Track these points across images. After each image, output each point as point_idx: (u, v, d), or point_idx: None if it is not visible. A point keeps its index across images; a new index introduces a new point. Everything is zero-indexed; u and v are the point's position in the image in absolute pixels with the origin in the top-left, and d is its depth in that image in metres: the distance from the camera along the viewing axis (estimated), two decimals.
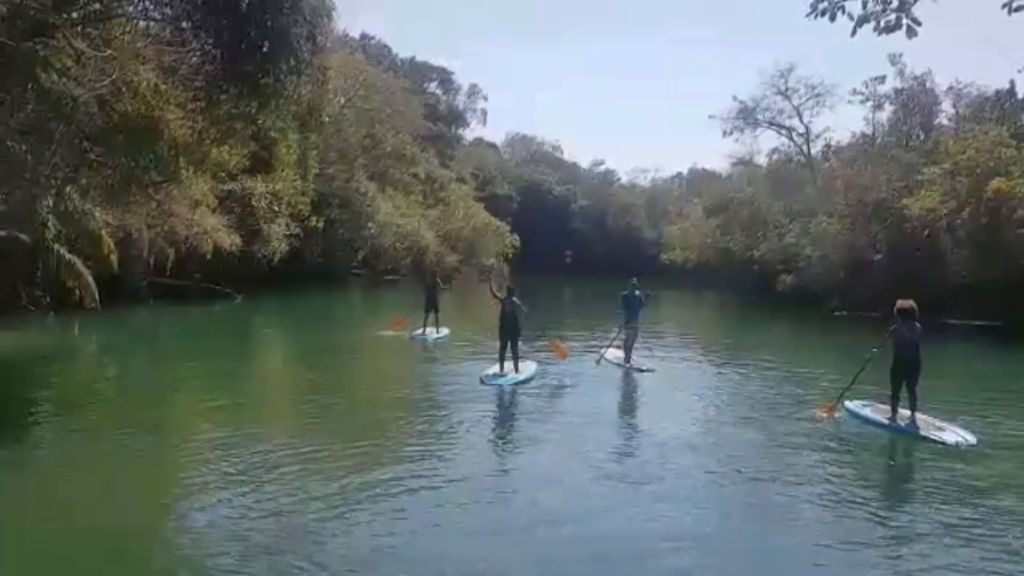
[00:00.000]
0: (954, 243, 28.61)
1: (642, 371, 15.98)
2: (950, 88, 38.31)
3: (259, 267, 33.22)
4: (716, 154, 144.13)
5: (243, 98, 15.21)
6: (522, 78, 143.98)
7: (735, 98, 48.32)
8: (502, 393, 13.40)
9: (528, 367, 14.91)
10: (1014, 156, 27.73)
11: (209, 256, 28.72)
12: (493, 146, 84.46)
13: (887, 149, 37.27)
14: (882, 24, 4.58)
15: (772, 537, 7.21)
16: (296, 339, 23.83)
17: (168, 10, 14.78)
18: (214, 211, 29.06)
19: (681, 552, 6.69)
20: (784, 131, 48.21)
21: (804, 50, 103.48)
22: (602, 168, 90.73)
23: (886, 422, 11.04)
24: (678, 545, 6.81)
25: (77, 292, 20.99)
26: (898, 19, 4.53)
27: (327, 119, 39.25)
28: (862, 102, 40.82)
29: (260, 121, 20.39)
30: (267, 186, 33.19)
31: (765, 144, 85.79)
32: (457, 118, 75.52)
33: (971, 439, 10.20)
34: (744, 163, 52.83)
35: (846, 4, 4.62)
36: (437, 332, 20.61)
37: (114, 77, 13.90)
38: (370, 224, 44.31)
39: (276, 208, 33.85)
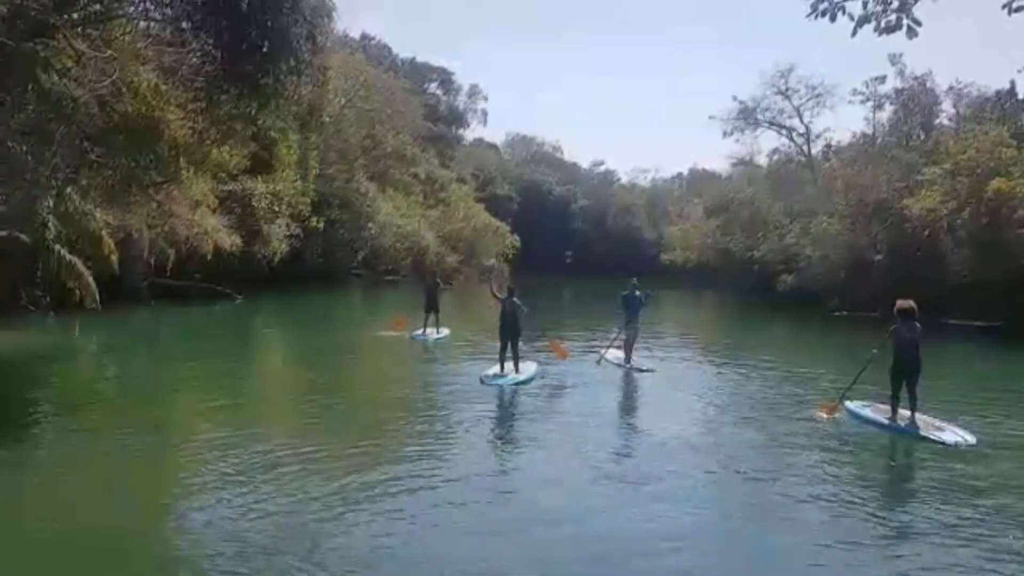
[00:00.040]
0: (954, 243, 28.60)
1: (642, 371, 15.99)
2: (950, 88, 38.37)
3: (259, 267, 33.24)
4: (716, 154, 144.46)
5: (243, 98, 15.20)
6: (522, 78, 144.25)
7: (735, 98, 48.41)
8: (502, 393, 13.40)
9: (528, 367, 14.90)
10: (1014, 156, 27.72)
11: (209, 257, 28.74)
12: (493, 146, 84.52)
13: (887, 149, 37.25)
14: (882, 24, 4.58)
15: (772, 537, 7.21)
16: (296, 339, 23.84)
17: (168, 11, 14.77)
18: (214, 211, 29.08)
19: (681, 552, 6.69)
20: (784, 131, 48.28)
21: (804, 50, 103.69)
22: (602, 168, 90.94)
23: (886, 422, 11.04)
24: (678, 545, 6.81)
25: (77, 292, 20.98)
26: (898, 19, 4.53)
27: (327, 119, 39.28)
28: (862, 102, 40.91)
29: (260, 121, 20.39)
30: (267, 186, 33.21)
31: (765, 144, 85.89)
32: (457, 118, 75.53)
33: (971, 439, 10.20)
34: (744, 163, 52.87)
35: (846, 4, 4.62)
36: (437, 332, 20.61)
37: (114, 78, 13.89)
38: (370, 224, 44.33)
39: (276, 208, 33.86)
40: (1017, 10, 4.65)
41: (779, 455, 9.94)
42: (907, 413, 10.85)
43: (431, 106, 65.62)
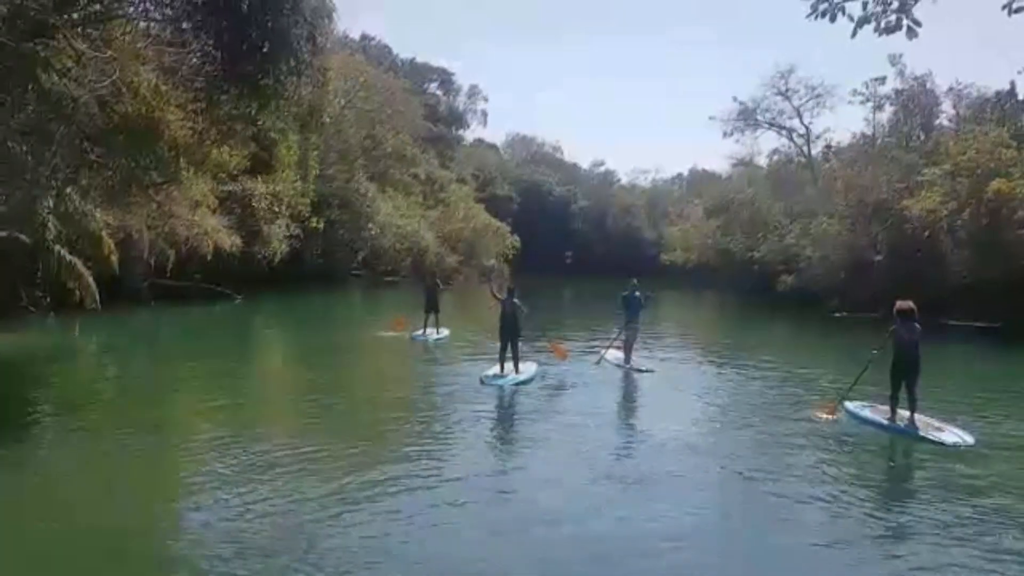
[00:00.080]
0: (954, 244, 28.59)
1: (642, 371, 15.99)
2: (950, 89, 38.35)
3: (259, 268, 33.25)
4: (716, 155, 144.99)
5: (243, 99, 15.21)
6: (522, 78, 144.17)
7: (735, 99, 48.42)
8: (502, 393, 13.41)
9: (528, 368, 14.91)
10: (1014, 157, 27.71)
11: (209, 257, 28.74)
12: (493, 147, 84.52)
13: (887, 150, 37.23)
14: (882, 25, 4.58)
15: (771, 537, 7.22)
16: (296, 339, 23.85)
17: (168, 11, 14.77)
18: (214, 212, 29.10)
19: (680, 552, 6.70)
20: (784, 132, 48.27)
21: (804, 51, 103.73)
22: (602, 169, 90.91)
23: (885, 423, 11.05)
24: (678, 545, 6.81)
25: (77, 293, 20.99)
26: (898, 20, 4.53)
27: (327, 120, 39.27)
28: (862, 103, 40.89)
29: (260, 122, 20.42)
30: (267, 187, 33.23)
31: (765, 145, 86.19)
32: (457, 119, 75.59)
33: (969, 439, 10.22)
34: (744, 164, 52.88)
35: (846, 5, 4.62)
36: (437, 333, 20.61)
37: (114, 78, 13.89)
38: (370, 225, 44.33)
39: (276, 209, 33.88)
40: (1017, 11, 4.65)
41: (779, 455, 9.94)
42: (906, 413, 10.86)
43: (431, 106, 65.66)
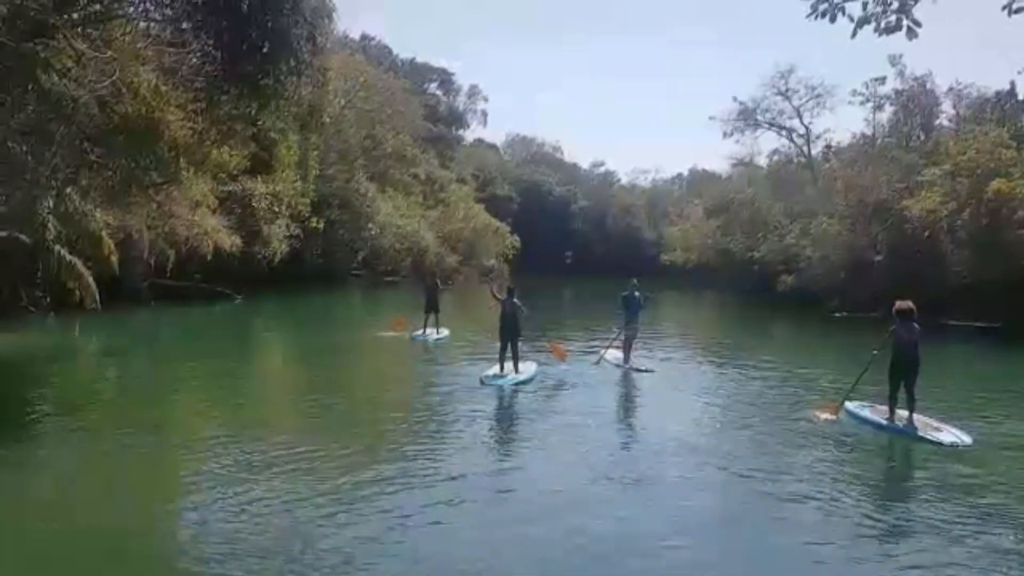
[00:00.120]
0: (954, 244, 28.61)
1: (641, 371, 15.99)
2: (950, 89, 38.38)
3: (259, 268, 33.25)
4: (716, 155, 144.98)
5: (243, 99, 15.22)
6: (522, 79, 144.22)
7: (735, 99, 48.47)
8: (502, 393, 13.41)
9: (528, 368, 14.91)
10: (1014, 157, 27.72)
11: (209, 257, 28.75)
12: (493, 147, 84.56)
13: (887, 150, 37.25)
14: (882, 25, 4.58)
15: (771, 536, 7.22)
16: (296, 340, 23.85)
17: (168, 11, 14.78)
18: (214, 212, 29.10)
19: (680, 551, 6.70)
20: (784, 132, 48.32)
21: (804, 51, 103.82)
22: (602, 169, 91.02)
23: (884, 423, 11.06)
24: (677, 544, 6.82)
25: (77, 293, 20.99)
26: (898, 20, 4.53)
27: (327, 120, 39.28)
28: (862, 103, 40.90)
29: (260, 122, 20.45)
30: (267, 187, 33.24)
31: (765, 145, 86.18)
32: (457, 119, 75.61)
33: (967, 439, 10.24)
34: (744, 164, 52.91)
35: (846, 5, 4.62)
36: (437, 333, 20.62)
37: (114, 78, 13.90)
38: (370, 225, 44.35)
39: (276, 209, 33.88)
40: (1017, 11, 4.65)
41: (778, 455, 9.95)
42: (905, 413, 10.87)
43: (431, 107, 65.68)
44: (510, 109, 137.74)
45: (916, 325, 10.99)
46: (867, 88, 40.05)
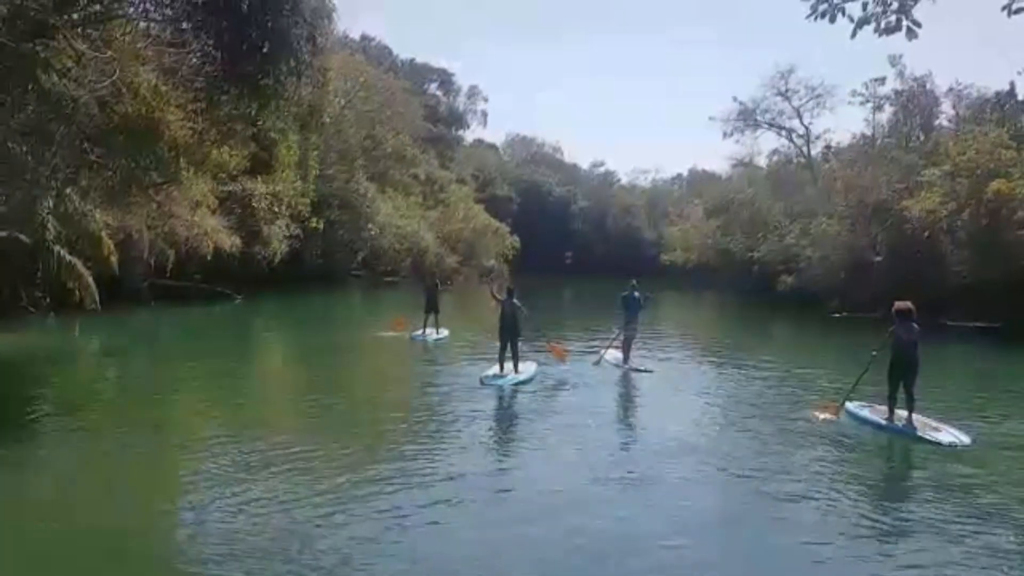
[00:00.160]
0: (954, 244, 28.62)
1: (641, 372, 15.99)
2: (950, 89, 38.39)
3: (259, 268, 33.25)
4: (716, 155, 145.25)
5: (243, 99, 15.23)
6: (522, 78, 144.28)
7: (735, 99, 48.50)
8: (502, 393, 13.41)
9: (528, 368, 14.91)
10: (1014, 158, 27.72)
11: (209, 257, 28.75)
12: (493, 147, 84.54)
13: (887, 150, 37.26)
14: (882, 26, 4.58)
15: (770, 536, 7.22)
16: (296, 340, 23.85)
17: (168, 11, 14.78)
18: (214, 212, 29.10)
19: (680, 551, 6.71)
20: (784, 132, 48.35)
21: (804, 51, 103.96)
22: (602, 169, 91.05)
23: (883, 423, 11.07)
24: (677, 544, 6.83)
25: (77, 293, 20.98)
26: (898, 21, 4.53)
27: (327, 120, 39.29)
28: (862, 103, 40.93)
29: (260, 122, 20.45)
30: (267, 187, 33.23)
31: (765, 145, 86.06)
32: (457, 119, 75.59)
33: (965, 439, 10.26)
34: (744, 164, 52.92)
35: (846, 6, 4.62)
36: (437, 333, 20.62)
37: (114, 78, 13.90)
38: (370, 225, 44.35)
39: (276, 209, 33.88)
40: (1017, 11, 4.66)
41: (777, 455, 9.95)
42: (904, 413, 10.88)
43: (431, 107, 65.68)
44: (510, 109, 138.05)
45: (915, 325, 11.00)
46: (867, 88, 40.15)
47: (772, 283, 38.20)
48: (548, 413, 12.21)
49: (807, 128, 46.98)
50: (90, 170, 16.79)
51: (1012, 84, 34.02)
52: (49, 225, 18.67)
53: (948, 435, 10.34)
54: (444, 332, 20.88)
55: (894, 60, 37.95)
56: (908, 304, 11.11)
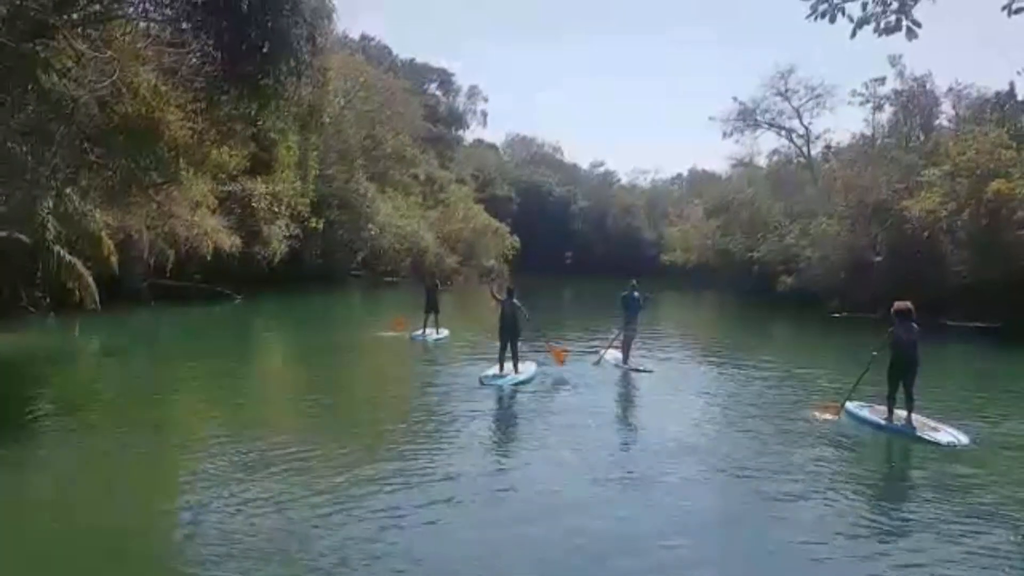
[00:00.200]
0: (954, 244, 28.63)
1: (640, 372, 15.99)
2: (950, 89, 38.43)
3: (259, 268, 33.24)
4: (716, 155, 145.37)
5: (243, 99, 15.22)
6: (522, 78, 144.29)
7: (735, 99, 48.51)
8: (501, 393, 13.41)
9: (528, 368, 14.91)
10: (1014, 158, 27.73)
11: (209, 257, 28.74)
12: (493, 147, 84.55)
13: (887, 150, 37.28)
14: (882, 26, 4.59)
15: (770, 535, 7.22)
16: (296, 340, 23.85)
17: (168, 11, 14.77)
18: (214, 212, 29.09)
19: (679, 551, 6.72)
20: (784, 132, 48.36)
21: (804, 51, 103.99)
22: (602, 169, 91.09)
23: (883, 423, 11.08)
24: (677, 543, 6.84)
25: (77, 293, 20.99)
26: (898, 21, 4.54)
27: (327, 120, 39.27)
28: (862, 103, 40.95)
29: (260, 122, 20.43)
30: (267, 187, 33.23)
31: (765, 145, 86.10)
32: (457, 119, 75.62)
33: (964, 439, 10.27)
34: (744, 164, 52.94)
35: (846, 6, 4.62)
36: (437, 333, 20.62)
37: (114, 78, 13.89)
38: (370, 225, 44.34)
39: (276, 209, 33.87)
40: (1017, 11, 4.66)
41: (777, 455, 9.95)
42: (903, 413, 10.89)
43: (431, 107, 65.70)
44: (510, 109, 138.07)
45: (915, 325, 11.01)
46: (867, 88, 40.17)
47: (772, 283, 38.21)
48: (548, 413, 12.21)
49: (807, 128, 47.07)
50: (90, 170, 16.78)
51: (1012, 84, 34.10)
52: (49, 225, 18.68)
53: (947, 435, 10.35)
54: (444, 332, 20.88)
55: (894, 60, 38.04)
56: (908, 304, 11.12)
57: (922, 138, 38.11)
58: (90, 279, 21.11)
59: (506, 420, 12.09)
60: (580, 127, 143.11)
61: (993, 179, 26.76)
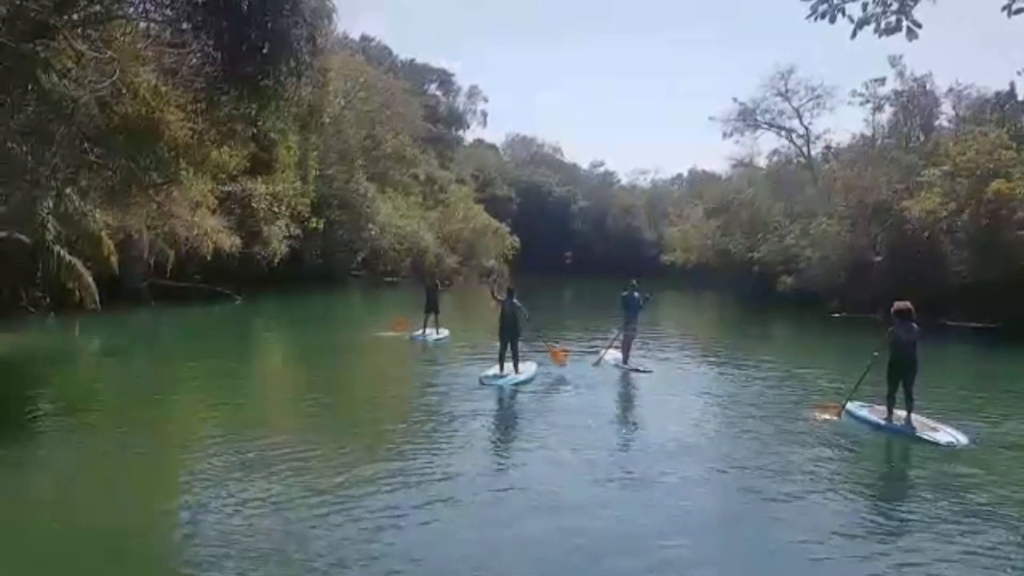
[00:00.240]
0: (954, 245, 28.63)
1: (640, 372, 15.99)
2: (950, 90, 38.45)
3: (259, 268, 33.25)
4: (716, 155, 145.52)
5: (243, 100, 15.20)
6: (522, 78, 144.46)
7: (735, 100, 48.53)
8: (501, 393, 13.41)
9: (528, 368, 14.91)
10: (1014, 158, 27.75)
11: (209, 257, 28.75)
12: (493, 147, 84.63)
13: (887, 151, 37.29)
14: (882, 26, 4.59)
15: (769, 535, 7.23)
16: (296, 340, 23.85)
17: (168, 12, 14.76)
18: (214, 212, 29.10)
19: (678, 550, 6.71)
20: (784, 133, 48.34)
21: (804, 51, 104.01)
22: (602, 169, 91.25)
23: (882, 423, 11.08)
24: (676, 543, 6.83)
25: (77, 293, 21.01)
26: (898, 21, 4.54)
27: (327, 120, 39.26)
28: (862, 104, 40.95)
29: (260, 123, 20.38)
30: (267, 187, 33.24)
31: (765, 146, 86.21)
32: (457, 120, 75.66)
33: (963, 439, 10.29)
34: (744, 164, 52.89)
35: (846, 6, 4.63)
36: (437, 333, 20.62)
37: (114, 78, 13.89)
38: (370, 225, 44.35)
39: (276, 209, 33.88)
40: (1017, 12, 4.66)
41: (777, 455, 9.95)
42: (903, 414, 10.90)
43: (431, 107, 65.72)
44: (510, 109, 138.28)
45: (915, 325, 11.02)
46: (867, 89, 40.17)
47: (772, 283, 38.19)
48: (548, 413, 12.21)
49: (807, 128, 47.06)
50: (90, 170, 16.78)
51: (1012, 84, 34.14)
52: (49, 225, 18.68)
53: (946, 435, 10.36)
54: (444, 332, 20.89)
55: (894, 60, 38.05)
56: (907, 304, 11.13)
57: (922, 138, 38.11)
58: (90, 279, 21.12)
59: (506, 420, 12.08)
60: (580, 127, 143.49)
61: (993, 179, 26.77)
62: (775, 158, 50.08)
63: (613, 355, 16.82)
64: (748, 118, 48.34)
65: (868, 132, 41.57)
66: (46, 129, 14.28)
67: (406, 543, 6.63)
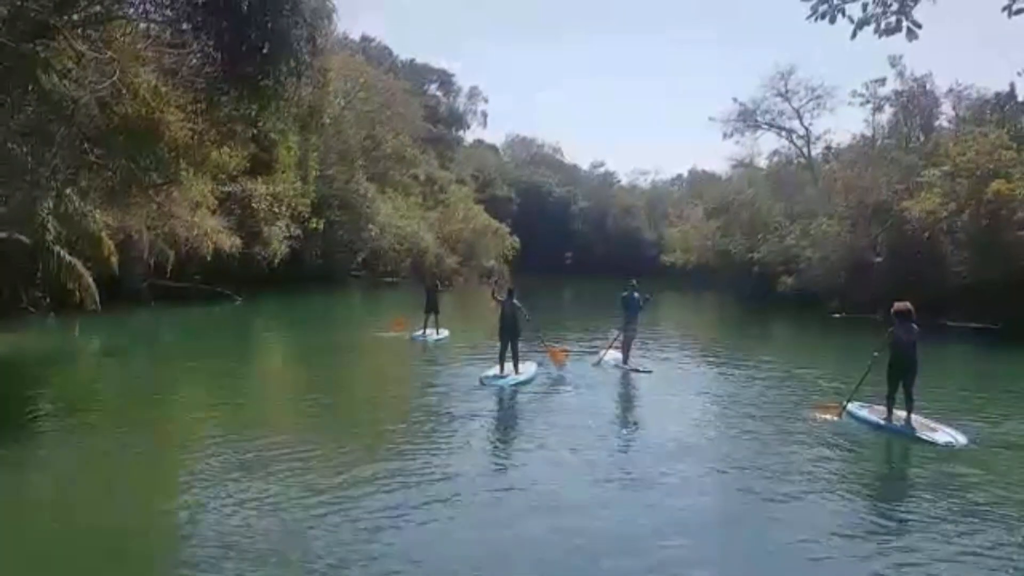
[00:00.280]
0: (954, 245, 28.63)
1: (640, 372, 15.99)
2: (950, 90, 38.43)
3: (259, 269, 33.25)
4: (716, 156, 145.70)
5: (243, 100, 15.21)
6: (522, 79, 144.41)
7: (735, 100, 48.52)
8: (502, 394, 13.41)
9: (528, 368, 14.91)
10: (1014, 158, 27.75)
11: (209, 258, 28.75)
12: (493, 148, 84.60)
13: (887, 151, 37.29)
14: (882, 26, 4.59)
15: (769, 535, 7.23)
16: (296, 340, 23.84)
17: (168, 12, 14.77)
18: (214, 213, 29.10)
19: (678, 550, 6.72)
20: (784, 133, 48.33)
21: (804, 51, 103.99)
22: (602, 170, 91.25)
23: (882, 423, 11.09)
24: (676, 543, 6.84)
25: (77, 294, 21.00)
26: (898, 21, 4.54)
27: (327, 121, 39.22)
28: (862, 104, 40.93)
29: (260, 123, 20.41)
30: (267, 188, 33.24)
31: (765, 146, 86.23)
32: (457, 120, 75.64)
33: (962, 440, 10.30)
34: (744, 165, 52.87)
35: (846, 6, 4.63)
36: (437, 333, 20.63)
37: (114, 79, 13.89)
38: (370, 226, 44.34)
39: (276, 210, 33.88)
40: (1017, 12, 4.66)
41: (777, 455, 9.95)
42: (902, 414, 10.90)
43: (431, 107, 65.71)
44: (510, 109, 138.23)
45: (915, 326, 11.02)
46: (867, 89, 40.17)
47: (772, 284, 38.18)
48: (548, 413, 12.21)
49: (807, 129, 47.05)
50: (90, 170, 16.79)
51: (1012, 85, 34.13)
52: (49, 225, 18.68)
53: (945, 435, 10.37)
54: (444, 332, 20.89)
55: (894, 61, 38.04)
56: (907, 304, 11.13)
57: (922, 139, 38.11)
58: (90, 279, 21.12)
59: (506, 420, 12.08)
60: (580, 127, 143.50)
61: (993, 180, 26.76)
62: (775, 158, 50.15)
63: (613, 355, 16.82)
64: (748, 118, 48.36)
65: (868, 132, 41.65)
66: (46, 129, 14.29)
67: (405, 543, 6.63)
